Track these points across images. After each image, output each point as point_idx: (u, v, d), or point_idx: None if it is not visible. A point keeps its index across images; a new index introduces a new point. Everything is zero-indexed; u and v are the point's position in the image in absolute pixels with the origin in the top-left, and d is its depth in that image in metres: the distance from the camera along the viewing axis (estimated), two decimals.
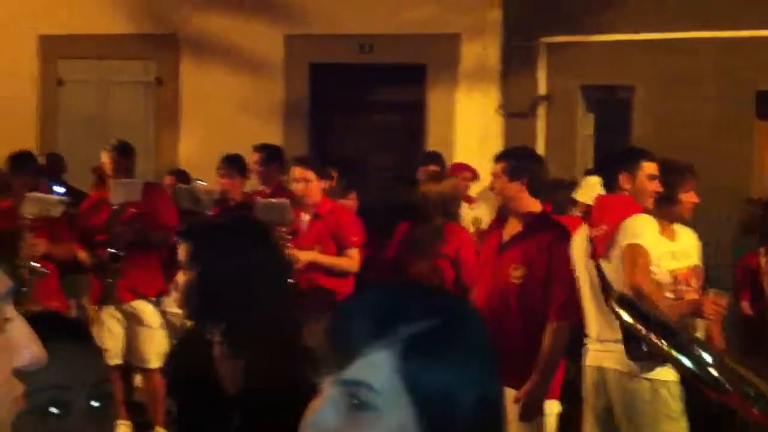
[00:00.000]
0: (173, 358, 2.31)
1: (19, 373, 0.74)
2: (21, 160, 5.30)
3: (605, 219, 3.70)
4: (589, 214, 4.13)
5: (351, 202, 5.60)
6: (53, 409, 1.19)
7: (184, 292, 2.01)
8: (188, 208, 5.35)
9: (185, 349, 2.19)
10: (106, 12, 7.78)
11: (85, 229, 5.27)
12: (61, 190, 5.72)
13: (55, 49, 7.97)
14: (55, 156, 6.91)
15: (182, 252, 2.02)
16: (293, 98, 7.61)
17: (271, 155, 5.69)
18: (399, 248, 4.99)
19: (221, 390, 1.95)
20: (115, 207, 5.08)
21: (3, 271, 0.75)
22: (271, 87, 7.59)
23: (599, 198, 3.94)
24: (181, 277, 2.02)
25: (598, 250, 3.65)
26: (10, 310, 0.75)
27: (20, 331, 0.75)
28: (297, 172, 4.88)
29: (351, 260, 4.87)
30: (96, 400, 1.25)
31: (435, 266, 4.74)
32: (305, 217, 4.94)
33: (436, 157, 6.41)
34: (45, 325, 1.14)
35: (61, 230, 5.08)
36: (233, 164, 5.59)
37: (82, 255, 5.21)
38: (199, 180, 6.04)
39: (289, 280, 2.25)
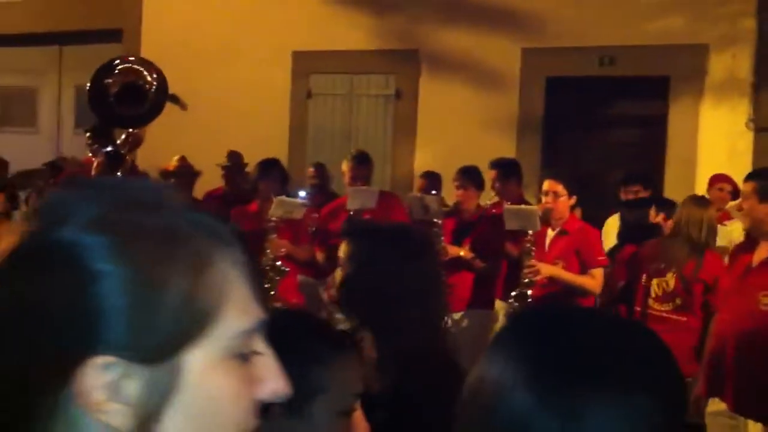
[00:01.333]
0: None
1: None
2: (268, 166, 5.75)
3: None
4: None
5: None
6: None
7: (339, 288, 2.05)
8: (419, 217, 5.50)
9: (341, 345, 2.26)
10: (353, 29, 8.19)
11: (323, 232, 5.60)
12: (302, 194, 6.12)
13: (306, 65, 8.51)
14: (322, 166, 7.39)
15: (342, 249, 2.07)
16: (528, 112, 7.57)
17: (508, 170, 5.72)
18: (636, 269, 4.81)
19: (366, 387, 1.99)
20: (351, 213, 5.36)
21: (256, 302, 0.76)
22: (506, 101, 7.61)
23: None
24: (338, 274, 2.07)
25: None
26: (261, 344, 0.77)
27: (268, 364, 0.77)
28: (547, 184, 4.86)
29: (593, 280, 4.75)
30: None
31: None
32: (550, 232, 4.90)
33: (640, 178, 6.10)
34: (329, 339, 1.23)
35: (302, 232, 5.43)
36: (469, 176, 5.65)
37: (320, 256, 5.53)
38: (433, 190, 6.18)
39: (442, 294, 2.22)
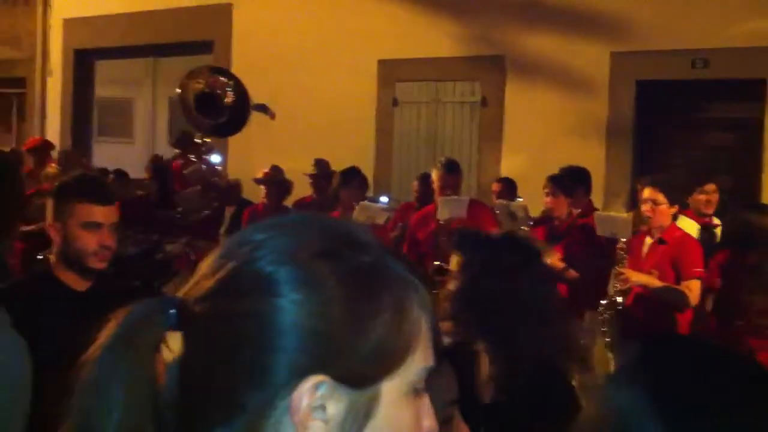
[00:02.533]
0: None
1: None
2: (349, 174, 5.87)
3: None
4: None
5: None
6: None
7: (452, 301, 2.05)
8: (508, 225, 5.48)
9: (450, 355, 2.23)
10: (438, 37, 8.22)
11: (413, 240, 5.63)
12: (384, 199, 6.18)
13: (392, 73, 8.58)
14: (427, 176, 7.44)
15: (453, 261, 2.07)
16: (618, 117, 7.44)
17: (576, 178, 5.65)
18: (728, 277, 4.68)
19: (478, 399, 1.98)
20: (441, 222, 5.37)
21: (432, 342, 0.83)
22: (595, 106, 7.49)
23: None
24: (450, 286, 2.07)
25: None
26: (423, 383, 0.83)
27: (426, 402, 0.83)
28: (646, 192, 4.76)
29: (690, 292, 4.62)
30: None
31: None
32: (648, 240, 4.80)
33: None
34: None
35: (384, 238, 5.48)
36: (558, 183, 5.60)
37: None
38: (519, 197, 6.14)
39: (556, 302, 2.20)
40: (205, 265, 0.82)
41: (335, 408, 0.77)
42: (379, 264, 0.81)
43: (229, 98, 5.53)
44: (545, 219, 5.62)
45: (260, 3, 9.34)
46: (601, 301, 4.73)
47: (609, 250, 4.80)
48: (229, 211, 8.12)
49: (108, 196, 2.55)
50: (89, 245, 2.48)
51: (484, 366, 2.02)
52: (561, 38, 7.60)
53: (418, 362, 0.80)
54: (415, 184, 7.11)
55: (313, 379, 0.76)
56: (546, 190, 5.57)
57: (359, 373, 0.77)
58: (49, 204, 2.55)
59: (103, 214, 2.50)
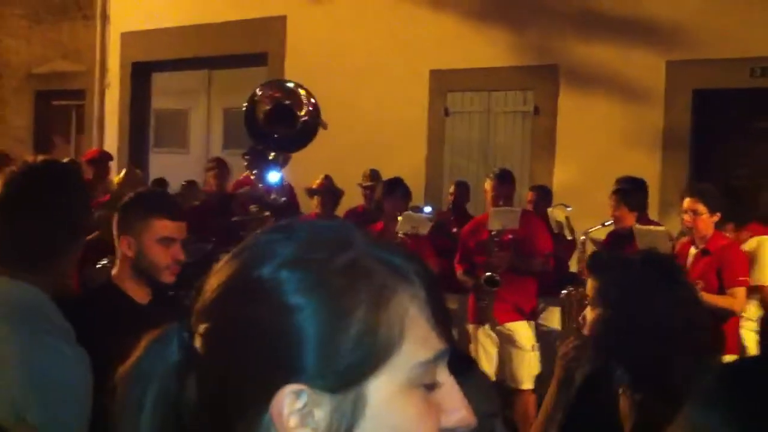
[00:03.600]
0: (579, 392, 2.16)
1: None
2: (392, 184, 5.91)
3: None
4: None
5: (729, 235, 5.25)
6: None
7: (592, 329, 1.91)
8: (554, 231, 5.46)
9: (590, 384, 2.09)
10: (491, 46, 8.20)
11: (465, 250, 5.62)
12: (428, 209, 6.16)
13: (444, 83, 8.58)
14: (463, 183, 7.47)
15: (590, 287, 1.95)
16: (674, 127, 7.32)
17: (634, 187, 5.59)
18: None
19: (619, 428, 1.88)
20: (492, 232, 5.35)
21: (438, 334, 0.79)
22: (650, 116, 7.39)
23: None
24: (589, 314, 1.94)
25: None
26: (443, 375, 0.80)
27: (452, 393, 0.80)
28: (686, 202, 4.72)
29: (734, 300, 4.57)
30: None
31: None
32: (692, 250, 4.75)
33: None
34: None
35: (426, 248, 5.48)
36: (623, 196, 5.52)
37: (461, 274, 5.54)
38: (566, 205, 6.07)
39: (706, 324, 1.98)
40: (212, 272, 0.83)
41: (320, 415, 0.75)
42: (357, 261, 0.78)
43: (305, 111, 5.48)
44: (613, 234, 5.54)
45: (314, 15, 9.43)
46: None
47: None
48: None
49: (180, 212, 2.61)
50: (163, 260, 2.52)
51: (625, 394, 1.89)
52: (616, 47, 7.52)
53: (411, 356, 0.77)
54: (452, 188, 7.16)
55: (289, 388, 0.74)
56: (610, 202, 5.49)
57: (338, 375, 0.75)
58: (117, 217, 2.58)
59: (177, 229, 2.55)
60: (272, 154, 5.37)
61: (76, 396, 1.78)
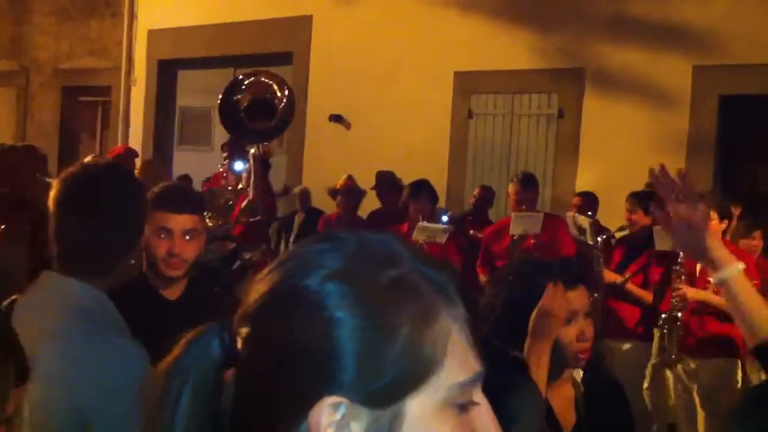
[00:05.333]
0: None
1: None
2: (417, 187, 5.86)
3: None
4: None
5: (755, 242, 5.22)
6: None
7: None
8: (574, 236, 5.44)
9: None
10: (515, 49, 8.18)
11: (487, 254, 5.61)
12: (445, 218, 6.16)
13: (467, 85, 8.57)
14: (488, 189, 7.47)
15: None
16: (700, 133, 7.26)
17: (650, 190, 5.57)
18: None
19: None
20: (515, 237, 5.33)
21: (475, 355, 0.80)
22: (675, 121, 7.33)
23: None
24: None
25: None
26: (478, 395, 0.81)
27: (484, 414, 0.81)
28: None
29: None
30: None
31: None
32: None
33: None
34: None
35: (451, 255, 5.47)
36: (639, 199, 5.52)
37: (483, 278, 5.53)
38: (589, 211, 6.05)
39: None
40: (258, 277, 0.83)
41: (357, 429, 0.75)
42: (404, 278, 0.78)
43: (281, 103, 5.55)
44: (628, 236, 5.53)
45: (339, 16, 9.45)
46: (662, 316, 4.75)
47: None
48: (299, 218, 8.24)
49: (182, 204, 2.55)
50: (159, 252, 2.50)
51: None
52: (642, 51, 7.47)
53: (451, 377, 0.77)
54: (477, 191, 7.15)
55: (329, 399, 0.75)
56: (627, 206, 5.50)
57: (378, 390, 0.75)
58: None
59: (176, 221, 2.51)
60: (252, 149, 5.49)
61: (132, 392, 1.82)
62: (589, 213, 6.17)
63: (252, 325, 0.80)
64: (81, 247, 1.86)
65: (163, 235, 2.50)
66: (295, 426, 0.76)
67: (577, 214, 5.76)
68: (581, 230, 5.53)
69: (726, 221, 4.71)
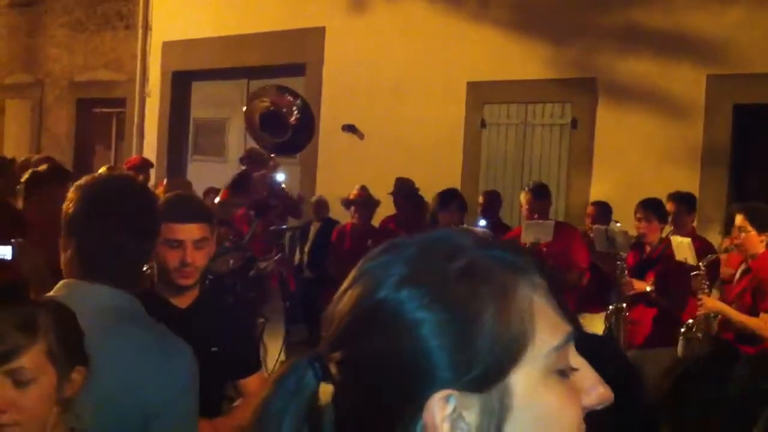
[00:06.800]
0: None
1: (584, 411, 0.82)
2: (447, 197, 5.86)
3: None
4: None
5: None
6: None
7: None
8: (604, 249, 5.41)
9: None
10: (528, 59, 8.18)
11: None
12: (483, 223, 6.15)
13: (480, 95, 8.58)
14: (493, 193, 7.48)
15: None
16: (714, 143, 7.23)
17: (687, 205, 5.57)
18: None
19: None
20: (527, 245, 5.33)
21: (562, 317, 0.82)
22: (689, 130, 7.30)
23: None
24: None
25: None
26: (574, 357, 0.82)
27: (586, 374, 0.82)
28: (737, 219, 4.72)
29: (761, 323, 4.48)
30: None
31: None
32: (742, 267, 4.76)
33: None
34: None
35: None
36: (651, 209, 5.52)
37: None
38: (616, 221, 6.01)
39: None
40: (334, 302, 0.85)
41: (470, 416, 0.77)
42: (472, 264, 0.80)
43: (294, 117, 5.66)
44: (638, 244, 5.53)
45: (352, 27, 9.50)
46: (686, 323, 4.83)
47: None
48: (314, 227, 8.26)
49: (191, 215, 2.60)
50: (171, 262, 2.55)
51: None
52: (656, 60, 7.46)
53: (545, 343, 0.79)
54: (480, 198, 7.13)
55: (438, 395, 0.77)
56: (638, 215, 5.50)
57: (480, 375, 0.77)
58: None
59: (184, 231, 2.55)
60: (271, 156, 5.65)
61: (194, 386, 1.89)
62: (618, 223, 6.09)
63: (342, 348, 0.82)
64: (107, 257, 1.89)
65: (174, 246, 2.54)
66: (410, 429, 0.78)
67: (609, 227, 5.68)
68: (612, 242, 5.50)
69: (766, 233, 4.65)
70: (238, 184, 6.36)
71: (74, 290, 1.89)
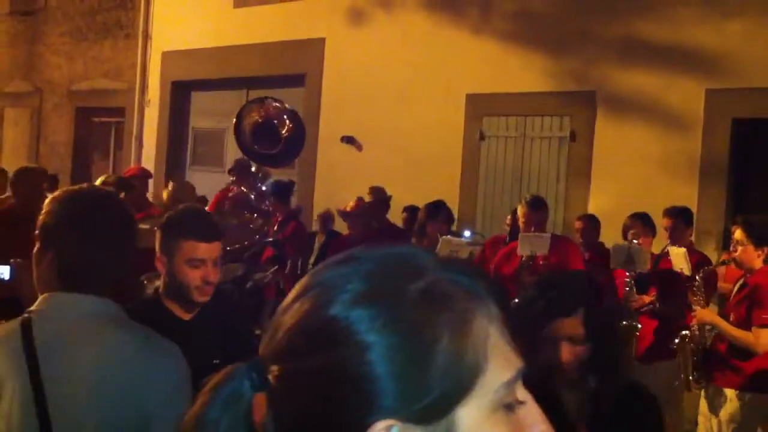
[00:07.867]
0: None
1: None
2: (435, 208, 5.91)
3: None
4: None
5: None
6: None
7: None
8: (621, 266, 5.44)
9: None
10: (527, 72, 8.19)
11: (497, 276, 5.59)
12: (468, 234, 6.15)
13: (479, 107, 8.58)
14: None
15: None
16: (712, 156, 7.22)
17: (684, 219, 5.60)
18: None
19: None
20: (523, 258, 5.33)
21: (514, 351, 0.78)
22: (688, 144, 7.30)
23: None
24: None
25: None
26: (521, 392, 0.79)
27: (531, 410, 0.79)
28: (736, 232, 4.74)
29: (752, 338, 4.47)
30: None
31: None
32: (741, 281, 4.77)
33: None
34: None
35: None
36: (644, 222, 5.55)
37: None
38: (634, 239, 5.90)
39: None
40: (281, 310, 0.80)
41: None
42: (432, 288, 0.76)
43: (286, 128, 5.67)
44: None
45: (352, 38, 9.51)
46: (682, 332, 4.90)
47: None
48: (319, 241, 8.25)
49: (212, 233, 2.62)
50: (193, 281, 2.57)
51: None
52: (655, 74, 7.47)
53: (496, 378, 0.76)
54: (509, 218, 7.06)
55: (380, 424, 0.73)
56: (631, 229, 5.54)
57: (427, 407, 0.73)
58: (158, 235, 2.65)
59: (207, 250, 2.58)
60: (254, 167, 5.68)
61: (186, 385, 1.88)
62: (636, 242, 5.95)
63: (283, 361, 0.78)
64: (84, 269, 1.89)
65: (196, 265, 2.56)
66: None
67: (631, 244, 5.61)
68: (631, 260, 5.48)
69: (765, 248, 4.62)
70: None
71: (54, 302, 1.88)
